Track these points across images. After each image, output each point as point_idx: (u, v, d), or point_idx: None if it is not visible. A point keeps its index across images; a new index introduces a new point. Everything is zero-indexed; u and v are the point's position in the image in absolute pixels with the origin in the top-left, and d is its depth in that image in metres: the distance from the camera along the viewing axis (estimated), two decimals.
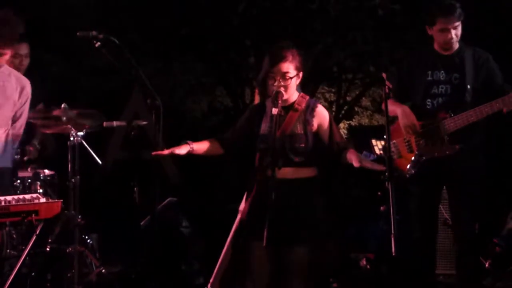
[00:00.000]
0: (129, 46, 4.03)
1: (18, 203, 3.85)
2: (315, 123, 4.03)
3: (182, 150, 4.04)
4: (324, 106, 4.17)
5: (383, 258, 5.85)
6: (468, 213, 4.64)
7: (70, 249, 5.11)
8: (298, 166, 3.99)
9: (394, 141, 4.73)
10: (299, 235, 3.93)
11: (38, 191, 5.19)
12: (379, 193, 5.89)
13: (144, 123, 5.13)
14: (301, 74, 4.03)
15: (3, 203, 3.85)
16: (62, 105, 4.91)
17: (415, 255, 4.73)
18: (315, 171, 4.05)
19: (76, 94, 8.78)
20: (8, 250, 4.98)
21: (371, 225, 6.31)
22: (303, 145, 3.99)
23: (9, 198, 3.90)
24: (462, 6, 4.60)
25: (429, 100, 4.67)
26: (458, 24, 4.57)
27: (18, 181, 5.38)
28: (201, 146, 4.13)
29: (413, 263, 4.76)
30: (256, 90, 6.01)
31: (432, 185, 4.72)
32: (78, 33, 3.88)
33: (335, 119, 9.29)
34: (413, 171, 4.64)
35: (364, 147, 5.10)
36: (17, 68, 5.03)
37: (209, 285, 4.37)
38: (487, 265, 5.55)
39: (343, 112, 10.47)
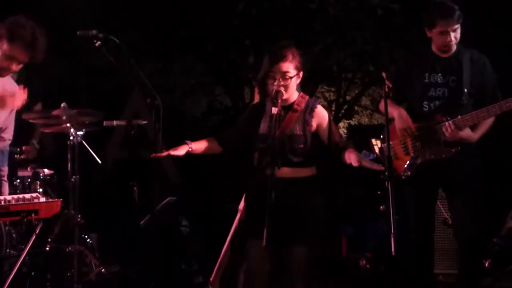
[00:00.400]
0: (129, 46, 4.03)
1: (18, 203, 3.84)
2: (314, 123, 4.03)
3: (181, 151, 4.04)
4: (324, 106, 4.18)
5: (382, 257, 5.85)
6: (467, 213, 4.63)
7: (69, 248, 5.12)
8: (297, 166, 3.99)
9: (391, 142, 4.72)
10: (298, 235, 3.93)
11: (38, 190, 5.21)
12: (378, 192, 5.89)
13: (144, 122, 5.12)
14: (301, 73, 4.03)
15: (2, 203, 3.84)
16: (62, 105, 4.91)
17: (413, 255, 4.73)
18: (315, 171, 4.05)
19: (76, 94, 8.80)
20: (7, 250, 5.00)
21: (370, 224, 6.31)
22: (302, 146, 3.99)
23: (8, 197, 3.90)
24: (461, 8, 4.59)
25: (426, 102, 4.66)
26: (458, 27, 4.56)
27: (18, 180, 5.39)
28: (199, 146, 4.13)
29: (411, 263, 4.76)
30: (256, 90, 6.00)
31: (428, 187, 4.71)
32: (78, 33, 3.87)
33: (334, 118, 9.37)
34: (409, 173, 4.64)
35: (364, 146, 5.08)
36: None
37: (209, 285, 4.37)
38: (487, 265, 5.55)
39: (342, 111, 10.45)
